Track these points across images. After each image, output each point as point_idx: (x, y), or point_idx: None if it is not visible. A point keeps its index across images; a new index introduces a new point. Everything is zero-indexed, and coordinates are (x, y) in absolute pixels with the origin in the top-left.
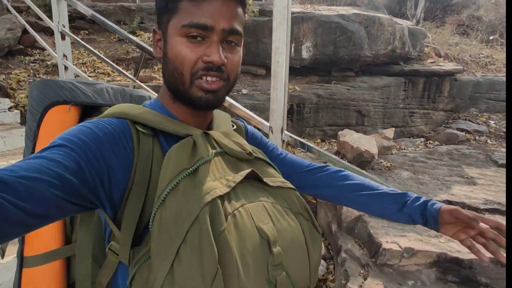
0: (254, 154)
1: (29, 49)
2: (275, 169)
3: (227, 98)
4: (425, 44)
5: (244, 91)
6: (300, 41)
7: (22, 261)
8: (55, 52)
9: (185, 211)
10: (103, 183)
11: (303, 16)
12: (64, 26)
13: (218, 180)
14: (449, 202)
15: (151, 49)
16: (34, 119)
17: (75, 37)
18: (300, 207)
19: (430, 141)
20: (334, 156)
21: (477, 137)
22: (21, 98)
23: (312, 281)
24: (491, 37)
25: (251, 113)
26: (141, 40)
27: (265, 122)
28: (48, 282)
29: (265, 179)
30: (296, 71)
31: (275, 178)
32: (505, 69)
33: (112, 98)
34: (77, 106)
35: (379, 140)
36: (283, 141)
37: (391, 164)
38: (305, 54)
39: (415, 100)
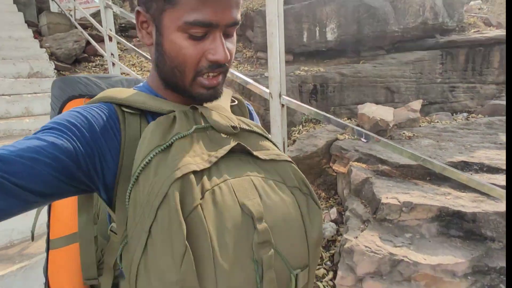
0: (243, 126)
1: (92, 57)
2: (271, 141)
3: None
4: (473, 14)
5: (266, 74)
6: (324, 24)
7: (48, 244)
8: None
9: (156, 189)
10: (96, 168)
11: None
12: (111, 30)
13: (198, 156)
14: (465, 163)
15: None
16: (55, 114)
17: (120, 38)
18: (297, 181)
19: (473, 115)
20: (344, 122)
21: None
22: None
23: (311, 259)
24: None
25: (250, 81)
26: None
27: (265, 89)
28: (71, 262)
29: (256, 153)
30: (324, 54)
31: (268, 151)
32: None
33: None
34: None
35: (405, 112)
36: (282, 105)
37: (413, 134)
38: (329, 36)
39: (456, 74)
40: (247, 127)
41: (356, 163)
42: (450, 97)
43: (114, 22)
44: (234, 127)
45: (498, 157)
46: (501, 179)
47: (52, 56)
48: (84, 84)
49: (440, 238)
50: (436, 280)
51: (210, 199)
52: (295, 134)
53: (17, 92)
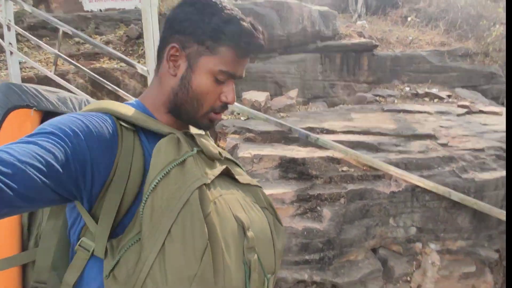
0: (224, 155)
1: None
2: (241, 168)
3: None
4: (352, 29)
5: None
6: None
7: None
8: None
9: (177, 195)
10: (85, 175)
11: None
12: (10, 21)
13: (200, 172)
14: (310, 128)
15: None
16: None
17: (18, 28)
18: (266, 203)
19: (344, 105)
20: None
21: (387, 99)
22: None
23: (276, 267)
24: (409, 18)
25: (127, 58)
26: (99, 41)
27: (143, 67)
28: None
29: (236, 176)
30: None
31: (243, 176)
32: (427, 46)
33: (76, 107)
34: (39, 111)
35: (284, 99)
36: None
37: (286, 115)
38: None
39: (335, 73)
40: (226, 156)
41: (232, 135)
42: (330, 92)
43: (23, 20)
44: (220, 154)
45: (337, 124)
46: (330, 137)
47: None
48: (33, 95)
49: (281, 180)
50: None
51: (214, 209)
52: None
53: None
